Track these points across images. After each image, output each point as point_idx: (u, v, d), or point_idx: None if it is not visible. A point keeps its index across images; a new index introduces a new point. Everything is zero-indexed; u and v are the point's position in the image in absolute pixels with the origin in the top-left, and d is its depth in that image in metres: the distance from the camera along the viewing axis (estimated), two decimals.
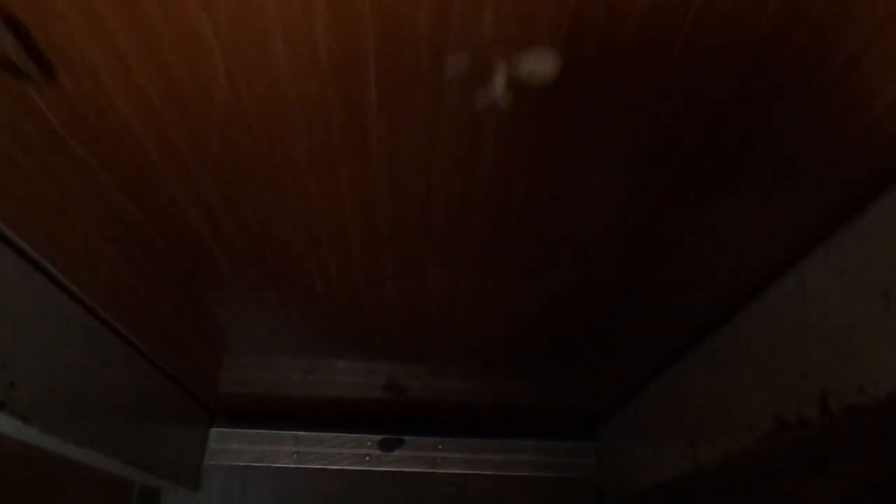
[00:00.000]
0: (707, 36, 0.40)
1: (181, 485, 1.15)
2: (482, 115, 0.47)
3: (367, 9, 0.39)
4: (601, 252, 0.67)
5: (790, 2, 0.38)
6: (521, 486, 1.29)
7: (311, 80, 0.44)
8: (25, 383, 0.66)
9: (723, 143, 0.49)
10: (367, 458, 1.28)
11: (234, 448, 1.26)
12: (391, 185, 0.56)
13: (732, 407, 0.76)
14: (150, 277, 0.73)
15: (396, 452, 1.29)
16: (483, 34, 0.40)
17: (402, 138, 0.50)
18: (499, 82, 0.43)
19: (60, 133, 0.49)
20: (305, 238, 0.65)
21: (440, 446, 1.30)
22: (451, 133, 0.49)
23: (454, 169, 0.54)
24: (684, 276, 0.71)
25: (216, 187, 0.56)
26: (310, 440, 1.28)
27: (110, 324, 0.83)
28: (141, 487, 1.09)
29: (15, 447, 0.72)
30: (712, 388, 0.82)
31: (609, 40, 0.41)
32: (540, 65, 0.42)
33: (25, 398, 0.66)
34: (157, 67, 0.43)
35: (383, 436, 1.29)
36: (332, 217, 0.61)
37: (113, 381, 0.86)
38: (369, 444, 1.29)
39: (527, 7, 0.38)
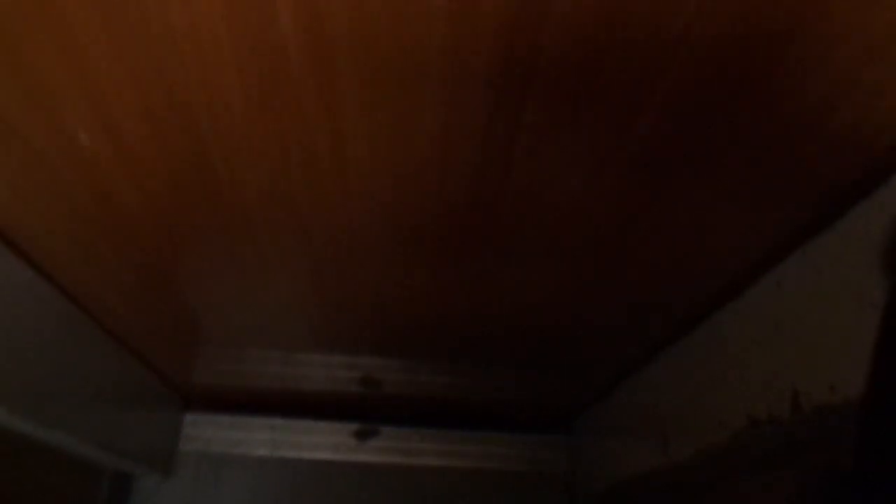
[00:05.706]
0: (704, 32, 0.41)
1: (154, 470, 1.14)
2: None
3: None
4: (576, 249, 0.68)
5: None
6: (495, 478, 1.29)
7: None
8: None
9: (703, 143, 0.50)
10: (342, 448, 1.28)
11: (208, 435, 1.24)
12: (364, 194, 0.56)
13: (705, 404, 0.77)
14: (126, 259, 0.72)
15: (371, 442, 1.29)
16: None
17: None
18: None
19: None
20: (285, 236, 0.65)
21: (415, 437, 1.30)
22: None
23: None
24: (661, 276, 0.72)
25: (197, 177, 0.56)
26: (285, 428, 1.27)
27: (84, 306, 0.82)
28: (112, 473, 1.08)
29: None
30: (686, 385, 0.83)
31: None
32: None
33: None
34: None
35: (359, 425, 1.29)
36: (308, 213, 0.61)
37: (86, 364, 0.85)
38: (345, 433, 1.29)
39: None
